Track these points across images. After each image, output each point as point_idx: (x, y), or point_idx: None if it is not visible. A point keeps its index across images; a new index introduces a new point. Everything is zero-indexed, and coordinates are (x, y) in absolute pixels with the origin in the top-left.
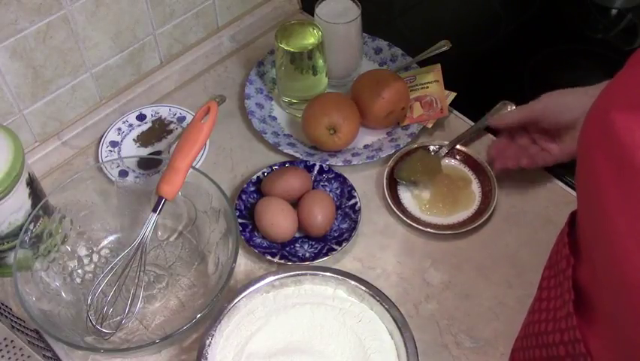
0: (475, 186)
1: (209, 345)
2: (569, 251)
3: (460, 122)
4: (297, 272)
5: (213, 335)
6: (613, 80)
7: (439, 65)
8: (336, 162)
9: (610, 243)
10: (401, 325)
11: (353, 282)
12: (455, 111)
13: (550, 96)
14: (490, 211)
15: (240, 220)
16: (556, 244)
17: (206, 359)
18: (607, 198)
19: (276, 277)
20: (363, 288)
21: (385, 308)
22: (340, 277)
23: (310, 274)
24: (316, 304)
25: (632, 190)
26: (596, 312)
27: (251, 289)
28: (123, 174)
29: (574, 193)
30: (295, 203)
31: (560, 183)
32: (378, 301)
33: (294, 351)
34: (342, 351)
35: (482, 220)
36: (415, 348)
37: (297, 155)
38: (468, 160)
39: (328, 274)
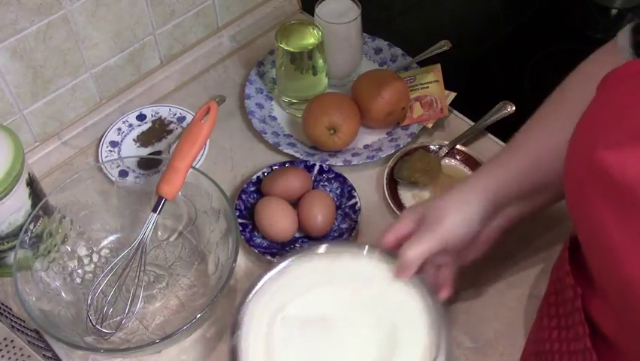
0: None
1: (249, 300)
2: (574, 280)
3: (460, 122)
4: (354, 246)
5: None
6: (588, 112)
7: (439, 65)
8: (336, 162)
9: (620, 276)
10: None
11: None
12: (455, 111)
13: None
14: None
15: (240, 220)
16: (557, 269)
17: (244, 314)
18: (610, 232)
19: (332, 248)
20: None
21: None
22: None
23: (367, 252)
24: (356, 285)
25: (637, 224)
26: (614, 350)
27: (300, 255)
28: (123, 174)
29: None
30: (295, 203)
31: None
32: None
33: (326, 324)
34: (371, 331)
35: None
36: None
37: (297, 155)
38: (468, 160)
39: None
